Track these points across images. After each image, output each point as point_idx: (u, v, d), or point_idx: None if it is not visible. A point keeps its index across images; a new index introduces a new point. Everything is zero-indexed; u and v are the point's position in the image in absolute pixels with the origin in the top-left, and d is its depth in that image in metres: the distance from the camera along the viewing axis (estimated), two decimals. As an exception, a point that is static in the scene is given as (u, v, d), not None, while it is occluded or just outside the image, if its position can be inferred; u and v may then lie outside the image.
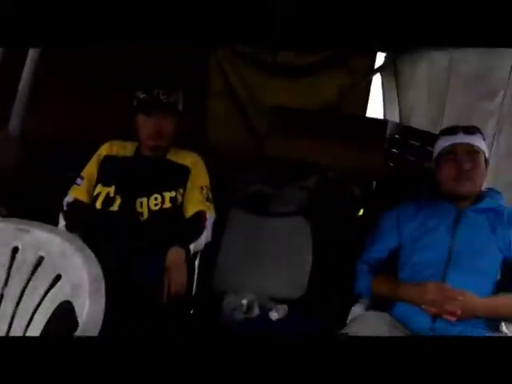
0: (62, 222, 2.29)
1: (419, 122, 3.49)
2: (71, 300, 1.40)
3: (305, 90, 3.85)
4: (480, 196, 2.15)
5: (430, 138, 2.52)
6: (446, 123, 2.88)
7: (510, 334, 1.95)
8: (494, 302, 1.95)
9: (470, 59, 3.13)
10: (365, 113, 4.03)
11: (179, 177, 2.44)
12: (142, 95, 2.38)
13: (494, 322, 1.97)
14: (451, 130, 2.19)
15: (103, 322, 1.36)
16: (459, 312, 1.87)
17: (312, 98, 3.83)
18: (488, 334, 1.90)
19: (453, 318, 1.88)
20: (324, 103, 3.85)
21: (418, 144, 3.19)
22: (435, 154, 2.22)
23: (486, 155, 2.16)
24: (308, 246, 2.79)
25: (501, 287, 1.98)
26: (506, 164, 2.82)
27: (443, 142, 2.19)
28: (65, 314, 1.37)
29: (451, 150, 2.14)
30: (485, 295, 1.95)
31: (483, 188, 2.19)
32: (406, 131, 3.36)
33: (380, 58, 4.00)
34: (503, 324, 2.00)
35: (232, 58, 3.79)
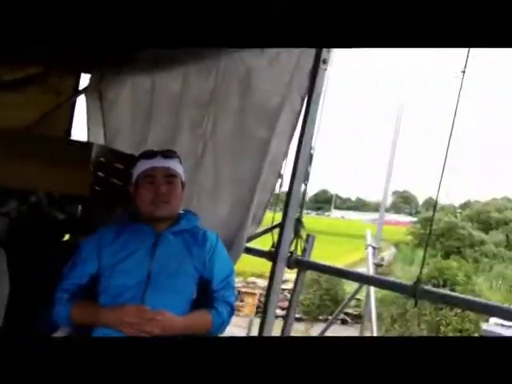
0: None
1: (124, 145, 3.51)
2: None
3: (5, 108, 3.58)
4: (177, 218, 2.23)
5: (134, 162, 2.55)
6: (152, 146, 2.94)
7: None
8: (191, 319, 2.06)
9: (173, 82, 3.26)
10: (69, 135, 3.92)
11: None
12: None
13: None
14: (149, 154, 2.25)
15: None
16: (156, 332, 1.93)
17: (12, 117, 3.59)
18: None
19: (151, 338, 1.92)
20: (25, 123, 3.65)
21: (122, 167, 3.19)
22: (134, 177, 2.24)
23: (183, 179, 2.25)
24: (4, 280, 2.56)
25: (197, 305, 2.10)
26: (212, 183, 3.02)
27: (141, 166, 2.22)
28: None
29: (149, 174, 2.19)
30: (183, 313, 2.04)
31: (181, 211, 2.29)
32: (111, 154, 3.34)
33: (85, 80, 3.94)
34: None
35: None
